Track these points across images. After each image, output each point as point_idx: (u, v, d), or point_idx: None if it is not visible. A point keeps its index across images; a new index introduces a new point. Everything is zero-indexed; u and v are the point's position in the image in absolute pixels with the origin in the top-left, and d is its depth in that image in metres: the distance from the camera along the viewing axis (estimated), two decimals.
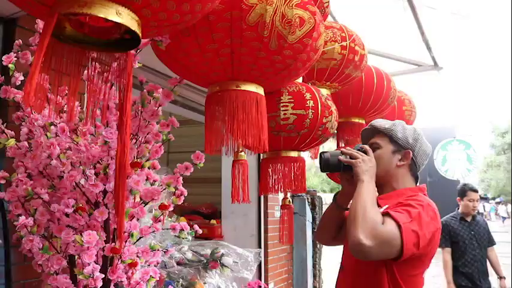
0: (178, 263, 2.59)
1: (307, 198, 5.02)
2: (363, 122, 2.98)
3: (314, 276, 4.92)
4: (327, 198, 6.34)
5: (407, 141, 1.68)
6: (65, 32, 0.88)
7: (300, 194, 5.04)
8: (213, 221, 4.19)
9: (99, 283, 1.50)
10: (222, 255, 2.61)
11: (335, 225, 1.83)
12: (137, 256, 1.60)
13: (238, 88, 1.36)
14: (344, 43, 2.14)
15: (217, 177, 4.38)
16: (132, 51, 0.98)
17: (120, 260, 1.57)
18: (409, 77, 4.31)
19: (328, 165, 1.61)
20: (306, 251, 4.77)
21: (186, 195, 1.80)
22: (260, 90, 1.42)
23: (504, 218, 25.16)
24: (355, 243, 1.37)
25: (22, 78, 1.49)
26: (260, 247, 4.06)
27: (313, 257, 4.94)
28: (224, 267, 2.59)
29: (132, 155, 1.50)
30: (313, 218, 5.03)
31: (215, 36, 1.23)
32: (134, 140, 1.51)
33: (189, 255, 2.68)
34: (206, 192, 4.64)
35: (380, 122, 1.74)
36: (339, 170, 1.62)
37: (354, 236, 1.37)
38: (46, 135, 1.41)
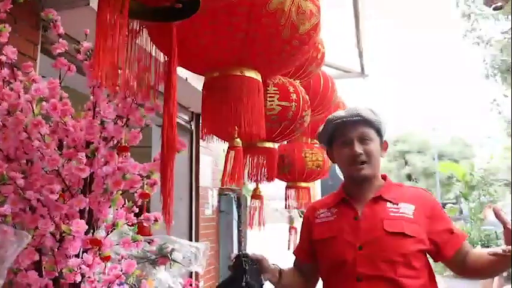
0: None
1: (234, 197, 5.04)
2: None
3: None
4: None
5: (385, 131, 1.68)
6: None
7: (226, 193, 5.06)
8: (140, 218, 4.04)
9: (79, 278, 1.38)
10: (172, 250, 2.53)
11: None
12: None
13: (243, 74, 1.35)
14: None
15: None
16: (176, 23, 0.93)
17: (98, 253, 1.46)
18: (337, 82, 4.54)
19: None
20: (232, 249, 4.79)
21: (158, 184, 1.73)
22: (259, 78, 1.42)
23: None
24: None
25: None
26: None
27: None
28: (174, 263, 2.51)
29: (120, 139, 1.41)
30: (239, 216, 5.07)
31: (233, 20, 1.21)
32: (121, 123, 1.42)
33: (135, 251, 2.55)
34: None
35: (367, 113, 1.64)
36: None
37: None
38: (33, 112, 1.26)
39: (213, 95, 1.36)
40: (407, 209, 1.56)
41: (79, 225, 1.29)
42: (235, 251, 4.91)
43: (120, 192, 1.42)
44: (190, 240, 4.03)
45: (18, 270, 1.35)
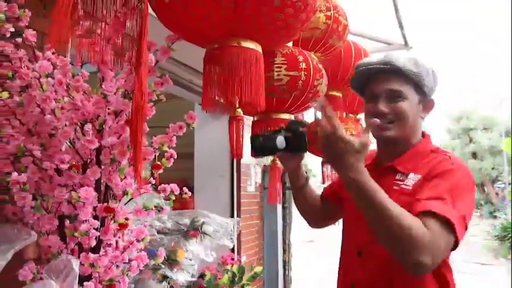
0: (158, 232, 2.59)
1: None
2: (340, 95, 3.03)
3: (284, 250, 5.02)
4: None
5: (432, 89, 1.42)
6: None
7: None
8: (185, 195, 4.20)
9: (93, 242, 1.49)
10: (203, 223, 2.63)
11: (312, 208, 1.72)
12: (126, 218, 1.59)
13: (239, 45, 1.37)
14: (329, 13, 2.17)
15: (190, 153, 4.37)
16: None
17: (112, 220, 1.56)
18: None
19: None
20: (276, 225, 4.86)
21: (175, 157, 1.80)
22: (259, 49, 1.43)
23: None
24: (413, 267, 1.14)
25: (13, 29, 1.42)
26: None
27: (283, 231, 5.04)
28: (205, 236, 2.61)
29: (127, 112, 1.48)
30: (283, 194, 5.10)
31: None
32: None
33: (169, 224, 2.68)
34: (178, 168, 4.61)
35: (403, 62, 1.37)
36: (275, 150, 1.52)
37: (409, 260, 1.13)
38: (42, 88, 1.36)
39: (210, 67, 1.39)
40: (411, 180, 1.34)
41: (87, 193, 1.38)
42: (280, 227, 4.98)
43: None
44: (232, 217, 4.13)
45: (41, 234, 1.48)
